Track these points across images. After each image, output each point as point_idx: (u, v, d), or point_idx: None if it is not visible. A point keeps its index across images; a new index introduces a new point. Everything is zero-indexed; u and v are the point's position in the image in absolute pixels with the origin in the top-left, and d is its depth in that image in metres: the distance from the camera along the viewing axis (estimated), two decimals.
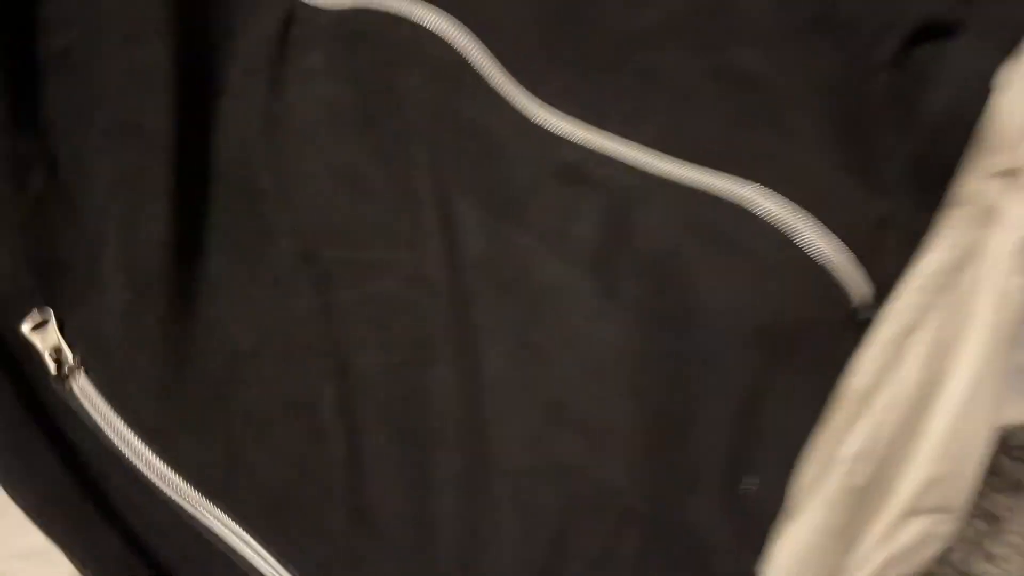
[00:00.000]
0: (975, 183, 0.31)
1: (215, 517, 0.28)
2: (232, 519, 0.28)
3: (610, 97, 0.32)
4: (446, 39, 0.34)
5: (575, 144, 0.32)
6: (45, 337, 0.29)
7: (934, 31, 0.31)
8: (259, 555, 0.27)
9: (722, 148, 0.31)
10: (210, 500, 0.28)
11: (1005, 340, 0.33)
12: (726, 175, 0.30)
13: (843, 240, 0.29)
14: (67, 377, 0.29)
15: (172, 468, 0.28)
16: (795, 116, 0.31)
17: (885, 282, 0.30)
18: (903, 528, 0.33)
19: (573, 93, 0.32)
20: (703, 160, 0.31)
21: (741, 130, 0.31)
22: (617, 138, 0.31)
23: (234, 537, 0.28)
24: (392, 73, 0.34)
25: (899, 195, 0.30)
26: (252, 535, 0.27)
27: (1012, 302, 0.33)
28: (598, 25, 0.34)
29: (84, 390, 0.29)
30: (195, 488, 0.28)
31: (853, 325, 0.29)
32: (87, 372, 0.29)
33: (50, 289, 0.30)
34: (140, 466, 0.28)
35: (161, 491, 0.28)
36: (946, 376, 0.32)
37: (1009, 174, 0.32)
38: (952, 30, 0.31)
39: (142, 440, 0.28)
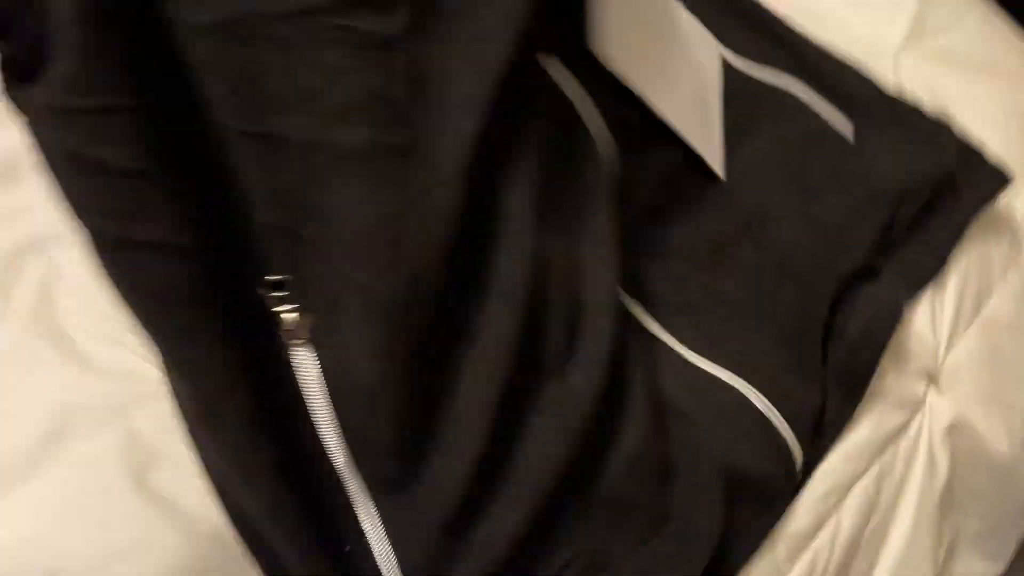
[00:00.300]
0: (897, 381, 0.42)
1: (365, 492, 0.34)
2: (364, 483, 0.34)
3: (658, 289, 0.43)
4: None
5: (630, 312, 0.42)
6: (281, 301, 0.32)
7: (860, 274, 0.43)
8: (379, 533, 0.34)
9: (724, 349, 0.43)
10: (355, 466, 0.33)
11: (937, 505, 0.42)
12: (724, 370, 0.42)
13: (789, 422, 0.40)
14: (291, 340, 0.32)
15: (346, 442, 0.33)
16: (764, 334, 0.43)
17: (819, 453, 0.40)
18: None
19: (634, 277, 0.43)
20: (708, 354, 0.42)
21: (734, 339, 0.43)
22: (653, 320, 0.43)
23: (370, 508, 0.34)
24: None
25: (831, 392, 0.41)
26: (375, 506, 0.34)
27: (941, 473, 0.42)
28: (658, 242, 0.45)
29: (301, 355, 0.32)
30: (360, 471, 0.33)
31: (795, 482, 0.40)
32: (313, 342, 0.32)
33: (295, 258, 0.32)
34: (323, 427, 0.33)
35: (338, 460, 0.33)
36: (887, 529, 0.42)
37: (928, 375, 0.42)
38: (873, 273, 0.43)
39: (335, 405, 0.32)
